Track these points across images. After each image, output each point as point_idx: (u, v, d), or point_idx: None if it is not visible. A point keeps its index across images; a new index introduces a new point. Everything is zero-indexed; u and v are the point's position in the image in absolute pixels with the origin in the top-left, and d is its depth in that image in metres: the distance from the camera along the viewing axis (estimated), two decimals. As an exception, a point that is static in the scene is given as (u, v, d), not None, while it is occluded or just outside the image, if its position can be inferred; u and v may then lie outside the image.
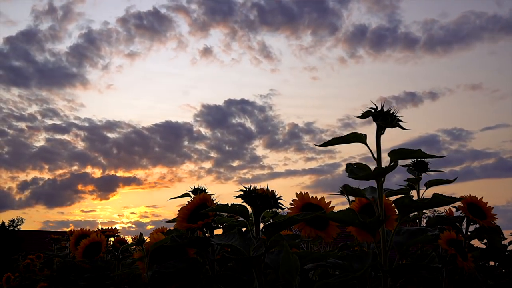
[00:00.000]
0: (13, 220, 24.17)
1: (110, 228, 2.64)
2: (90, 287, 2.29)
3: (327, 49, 31.73)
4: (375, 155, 1.26)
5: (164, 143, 31.99)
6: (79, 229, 2.60)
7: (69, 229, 3.11)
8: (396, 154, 1.27)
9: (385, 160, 1.27)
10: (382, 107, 1.23)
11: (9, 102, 30.62)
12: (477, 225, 1.70)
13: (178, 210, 1.55)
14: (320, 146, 1.33)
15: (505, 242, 1.93)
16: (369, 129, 1.28)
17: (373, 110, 1.24)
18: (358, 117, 1.26)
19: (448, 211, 1.85)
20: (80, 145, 31.60)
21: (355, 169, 1.33)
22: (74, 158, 31.24)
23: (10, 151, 30.33)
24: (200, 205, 1.54)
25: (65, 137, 31.71)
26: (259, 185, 1.34)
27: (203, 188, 1.83)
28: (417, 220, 2.03)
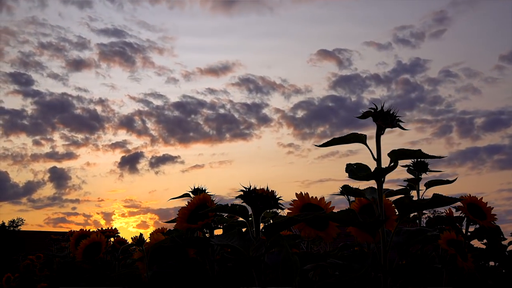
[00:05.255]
0: (13, 220, 24.22)
1: (110, 228, 2.64)
2: (90, 287, 2.29)
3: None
4: (375, 155, 1.26)
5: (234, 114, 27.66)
6: (79, 229, 2.60)
7: (69, 229, 3.11)
8: (396, 154, 1.27)
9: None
10: (382, 107, 1.23)
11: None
12: (477, 226, 1.70)
13: (178, 211, 1.55)
14: (320, 146, 1.33)
15: (505, 242, 1.93)
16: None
17: (373, 110, 1.24)
18: (358, 117, 1.26)
19: (448, 211, 1.85)
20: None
21: (355, 169, 1.33)
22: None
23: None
24: (200, 206, 1.53)
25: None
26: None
27: (203, 188, 1.83)
28: (417, 221, 2.02)
